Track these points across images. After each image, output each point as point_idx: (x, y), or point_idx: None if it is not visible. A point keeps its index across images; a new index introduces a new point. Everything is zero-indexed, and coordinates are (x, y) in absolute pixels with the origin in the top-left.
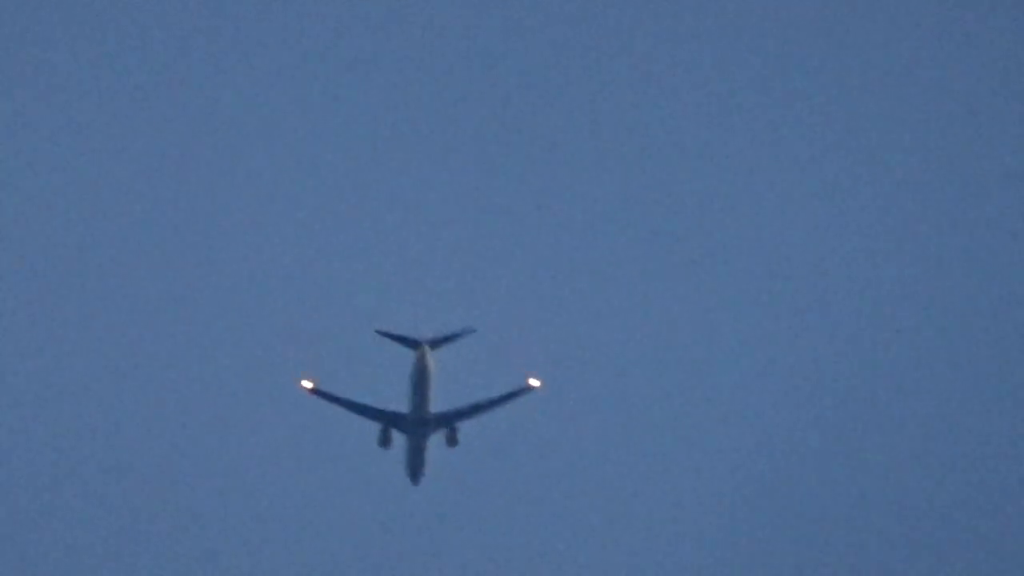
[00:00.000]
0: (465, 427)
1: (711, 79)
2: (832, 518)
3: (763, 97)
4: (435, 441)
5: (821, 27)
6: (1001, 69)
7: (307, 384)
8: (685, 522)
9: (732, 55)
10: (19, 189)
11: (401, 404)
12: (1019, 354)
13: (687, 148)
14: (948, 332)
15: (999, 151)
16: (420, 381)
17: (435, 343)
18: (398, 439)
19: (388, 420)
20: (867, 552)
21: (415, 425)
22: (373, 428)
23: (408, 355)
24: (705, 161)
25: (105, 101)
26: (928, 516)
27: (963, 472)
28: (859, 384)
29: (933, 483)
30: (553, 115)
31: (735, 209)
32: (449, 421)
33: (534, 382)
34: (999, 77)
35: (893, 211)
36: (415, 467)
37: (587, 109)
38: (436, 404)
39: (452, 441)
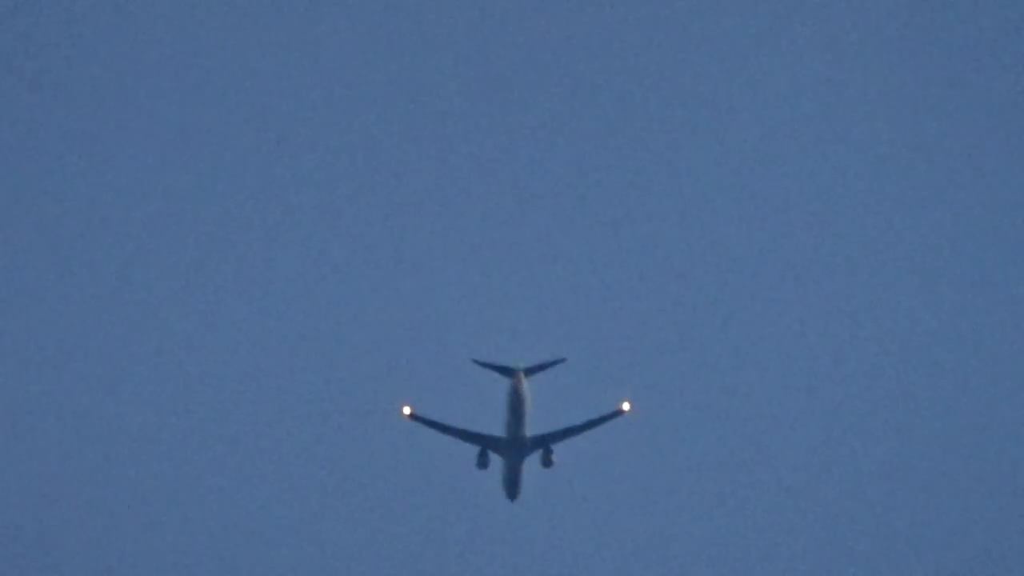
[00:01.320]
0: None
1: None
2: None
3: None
4: (531, 461)
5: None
6: (1001, 69)
7: (407, 410)
8: (779, 542)
9: (738, 51)
10: (19, 189)
11: (497, 428)
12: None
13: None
14: (954, 334)
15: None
16: (516, 406)
17: (529, 371)
18: (495, 460)
19: (486, 443)
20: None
21: (511, 447)
22: (471, 451)
23: (504, 382)
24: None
25: (121, 104)
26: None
27: (966, 472)
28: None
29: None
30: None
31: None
32: (544, 443)
33: (626, 405)
34: (1000, 77)
35: (895, 207)
36: (512, 486)
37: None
38: (531, 427)
39: (547, 462)
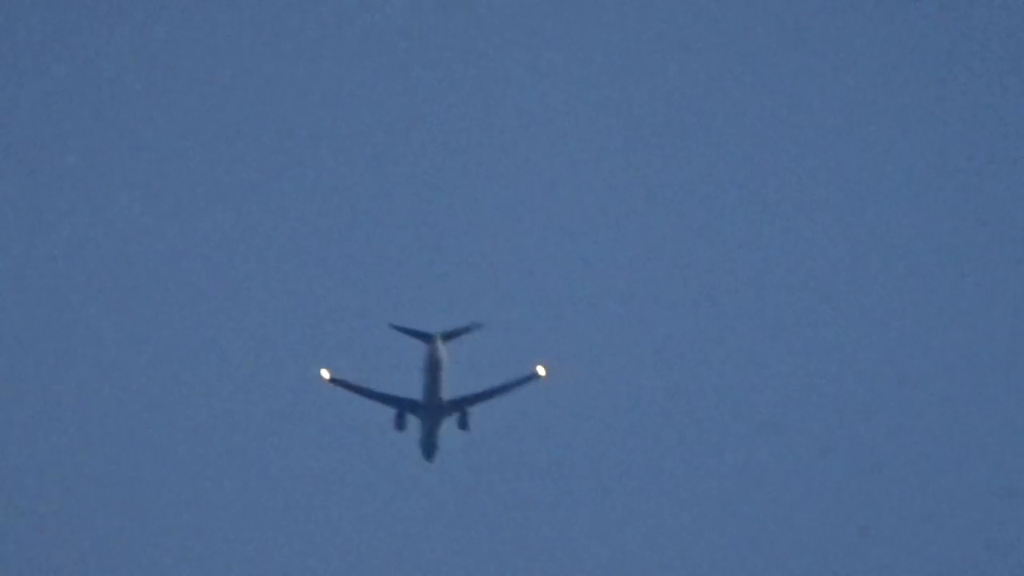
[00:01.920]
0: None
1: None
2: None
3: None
4: (448, 425)
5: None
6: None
7: (326, 374)
8: (687, 514)
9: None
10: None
11: (416, 392)
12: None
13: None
14: (952, 335)
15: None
16: (433, 370)
17: (446, 336)
18: (413, 423)
19: (404, 406)
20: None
21: (429, 410)
22: (389, 413)
23: (421, 347)
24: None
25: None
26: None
27: (967, 472)
28: (877, 373)
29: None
30: (555, 106)
31: (739, 206)
32: (460, 406)
33: (541, 370)
34: (999, 77)
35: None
36: (429, 448)
37: (580, 101)
38: (448, 391)
39: (464, 425)
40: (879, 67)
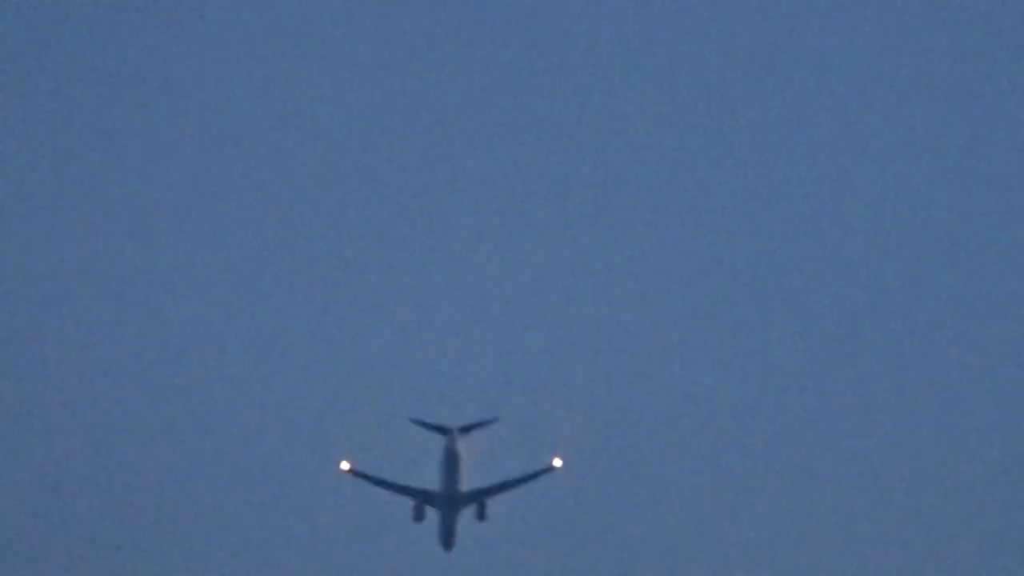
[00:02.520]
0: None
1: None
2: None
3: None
4: (466, 515)
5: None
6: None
7: (346, 465)
8: None
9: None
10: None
11: (433, 483)
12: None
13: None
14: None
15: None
16: (450, 463)
17: (463, 429)
18: (431, 514)
19: (422, 497)
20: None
21: (447, 501)
22: (408, 504)
23: (439, 440)
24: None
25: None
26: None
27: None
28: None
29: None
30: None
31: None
32: (478, 497)
33: (557, 462)
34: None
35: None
36: (447, 537)
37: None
38: (466, 482)
39: (481, 516)
40: (879, 67)
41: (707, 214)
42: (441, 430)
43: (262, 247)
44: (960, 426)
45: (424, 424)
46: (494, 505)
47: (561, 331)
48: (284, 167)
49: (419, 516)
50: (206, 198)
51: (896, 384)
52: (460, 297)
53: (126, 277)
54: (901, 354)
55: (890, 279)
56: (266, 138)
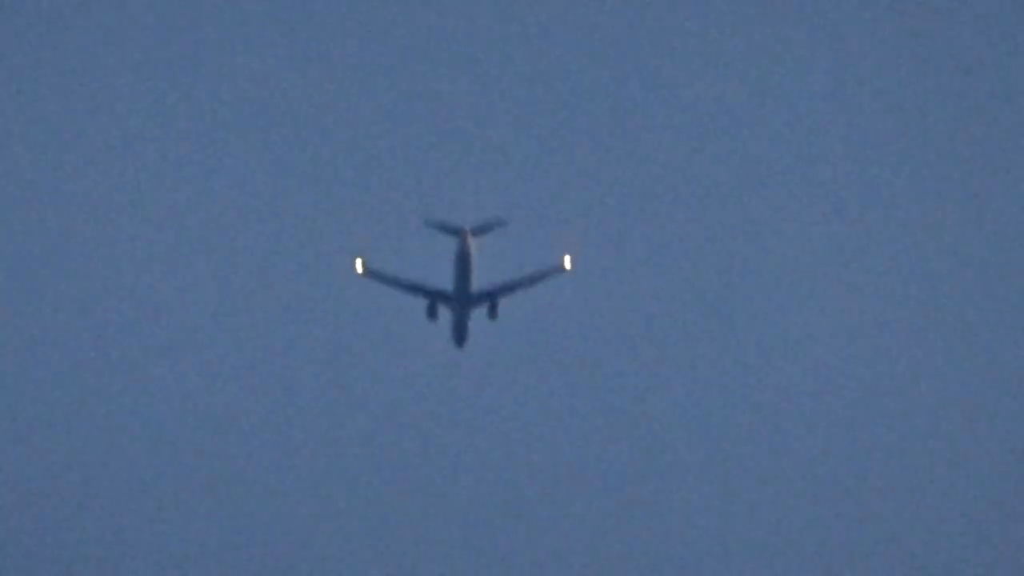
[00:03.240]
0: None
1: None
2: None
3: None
4: (477, 313)
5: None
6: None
7: (360, 265)
8: (701, 406)
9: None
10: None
11: (446, 283)
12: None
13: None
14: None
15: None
16: (462, 263)
17: (476, 231)
18: (444, 313)
19: (435, 297)
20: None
21: (459, 301)
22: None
23: (452, 242)
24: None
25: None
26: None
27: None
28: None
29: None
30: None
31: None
32: (489, 297)
33: (567, 262)
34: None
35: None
36: (459, 335)
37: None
38: (477, 282)
39: (492, 314)
40: (879, 67)
41: None
42: (453, 231)
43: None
44: (961, 425)
45: (437, 226)
46: (505, 303)
47: (573, 136)
48: None
49: (432, 315)
50: None
51: (904, 382)
52: (480, 98)
53: None
54: (911, 351)
55: (893, 279)
56: None
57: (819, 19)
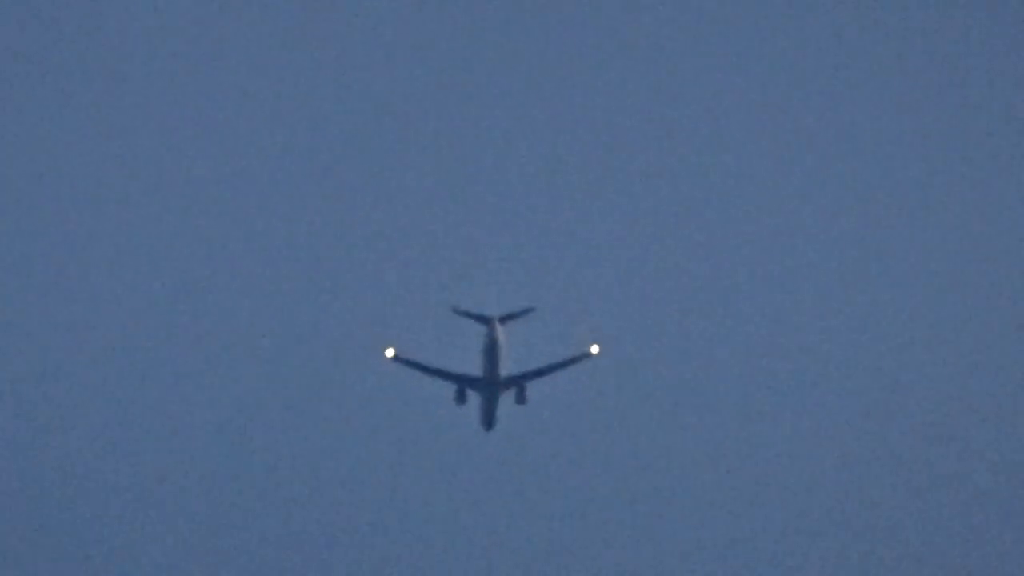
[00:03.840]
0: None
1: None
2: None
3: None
4: (505, 399)
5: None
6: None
7: (390, 352)
8: (737, 485)
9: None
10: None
11: (475, 369)
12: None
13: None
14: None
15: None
16: (491, 350)
17: (503, 318)
18: (473, 398)
19: (464, 383)
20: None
21: (488, 386)
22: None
23: (480, 329)
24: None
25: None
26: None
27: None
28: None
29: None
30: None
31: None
32: (517, 382)
33: (594, 348)
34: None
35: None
36: (488, 419)
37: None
38: (505, 368)
39: (521, 399)
40: (879, 67)
41: None
42: (482, 319)
43: (308, 137)
44: (962, 425)
45: (466, 314)
46: (533, 388)
47: (598, 222)
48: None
49: (461, 400)
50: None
51: (902, 383)
52: (506, 193)
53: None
54: (910, 354)
55: (893, 280)
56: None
57: (819, 19)
